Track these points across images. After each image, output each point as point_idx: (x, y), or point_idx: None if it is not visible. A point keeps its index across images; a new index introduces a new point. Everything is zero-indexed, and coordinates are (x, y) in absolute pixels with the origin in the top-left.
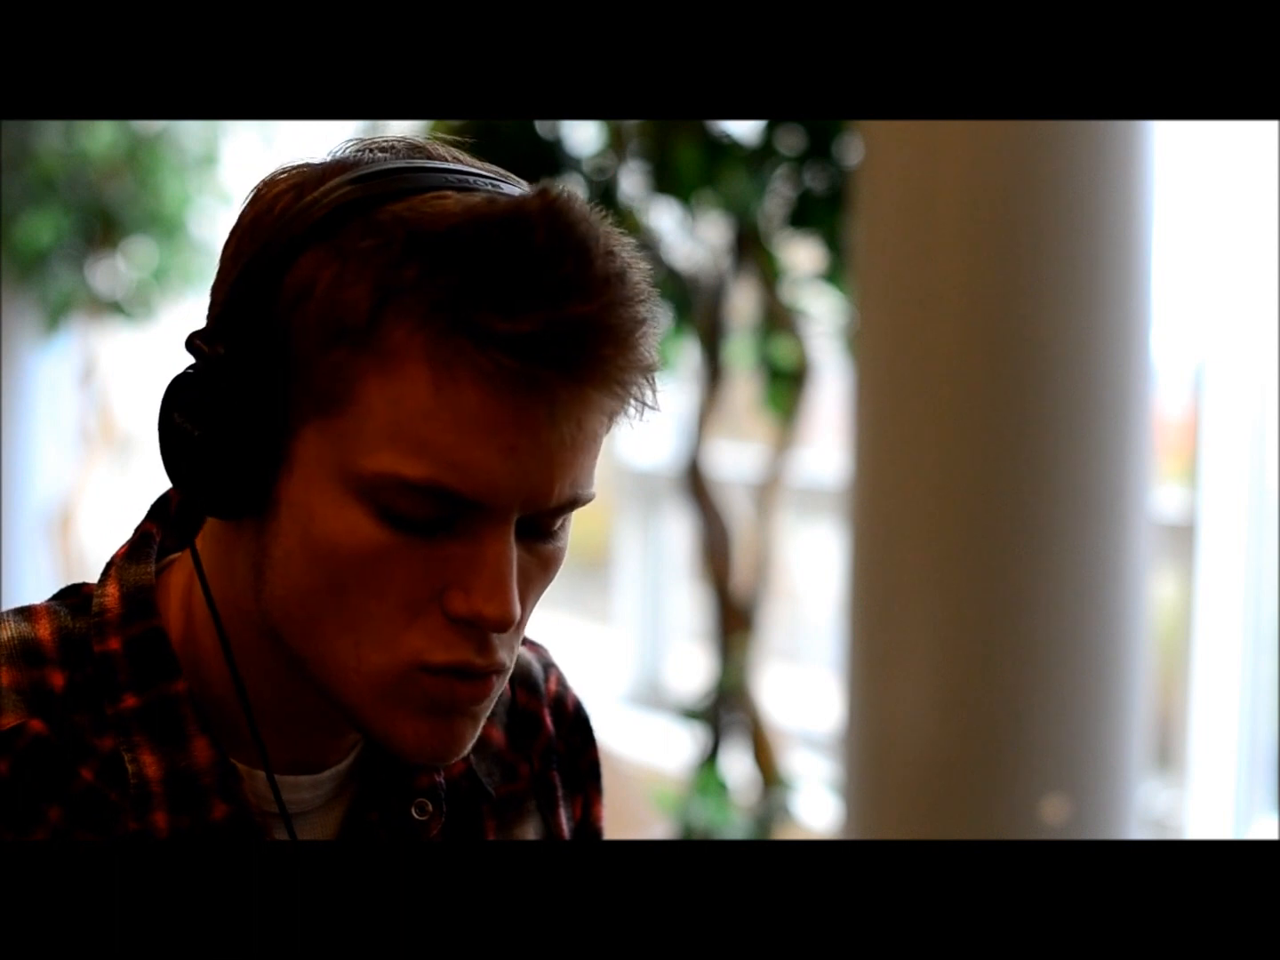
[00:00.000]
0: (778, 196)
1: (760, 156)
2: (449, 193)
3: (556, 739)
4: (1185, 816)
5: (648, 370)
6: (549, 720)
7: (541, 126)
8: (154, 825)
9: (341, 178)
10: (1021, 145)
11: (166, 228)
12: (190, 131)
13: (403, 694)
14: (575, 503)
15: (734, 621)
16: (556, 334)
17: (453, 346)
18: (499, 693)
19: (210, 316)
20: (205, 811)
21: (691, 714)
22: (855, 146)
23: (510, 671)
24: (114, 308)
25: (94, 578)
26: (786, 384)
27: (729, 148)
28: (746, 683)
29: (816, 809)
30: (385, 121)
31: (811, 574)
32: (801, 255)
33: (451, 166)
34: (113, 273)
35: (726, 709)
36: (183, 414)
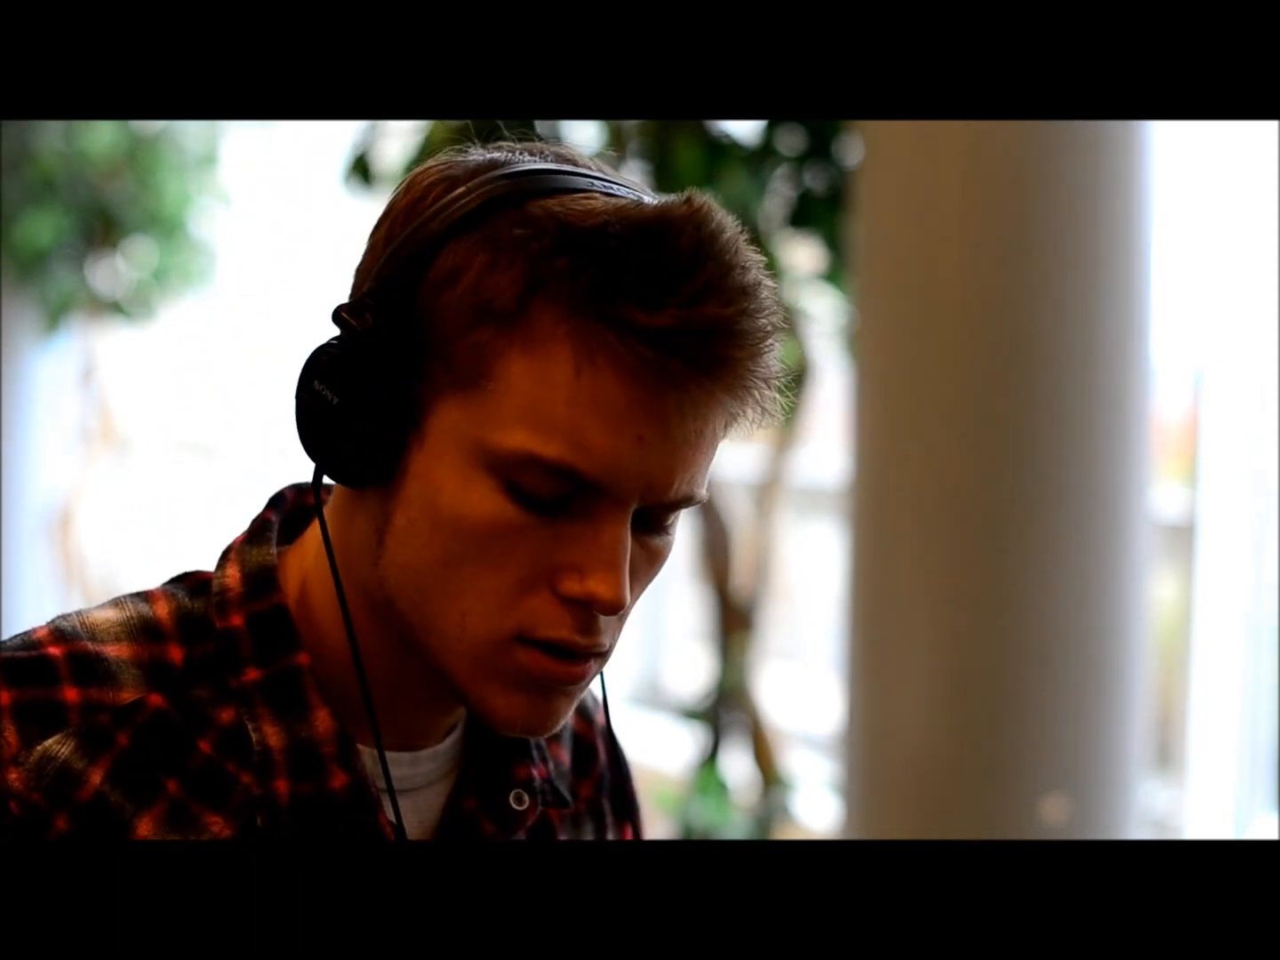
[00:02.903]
0: (778, 196)
1: (760, 156)
2: (596, 194)
3: (606, 768)
4: (1185, 816)
5: (770, 380)
6: (601, 750)
7: (541, 126)
8: (275, 792)
9: (493, 173)
10: (1021, 145)
11: (166, 228)
12: (190, 131)
13: (499, 666)
14: (690, 500)
15: (734, 621)
16: (692, 331)
17: (596, 335)
18: (595, 675)
19: (355, 292)
20: (325, 780)
21: (691, 714)
22: (855, 146)
23: (610, 657)
24: (114, 308)
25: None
26: (787, 384)
27: (729, 148)
28: (746, 683)
29: (816, 809)
30: (385, 121)
31: (811, 574)
32: (801, 255)
33: (596, 173)
34: (113, 273)
35: (726, 709)
36: (324, 381)
